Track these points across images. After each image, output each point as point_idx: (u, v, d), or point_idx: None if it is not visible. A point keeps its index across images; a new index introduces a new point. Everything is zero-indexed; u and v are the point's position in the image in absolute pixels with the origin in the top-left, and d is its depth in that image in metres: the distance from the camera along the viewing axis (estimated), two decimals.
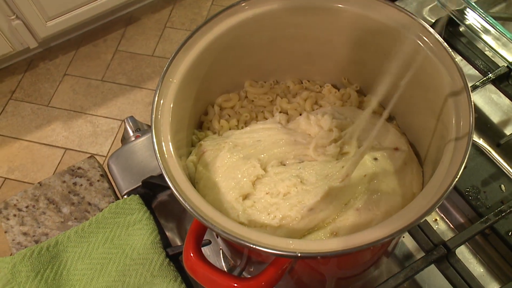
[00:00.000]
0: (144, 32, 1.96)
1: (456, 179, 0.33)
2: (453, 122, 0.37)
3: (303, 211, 0.41)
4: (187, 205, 0.33)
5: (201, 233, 0.39)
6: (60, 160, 1.67)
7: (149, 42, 1.93)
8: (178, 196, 0.34)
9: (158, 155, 0.35)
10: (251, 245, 0.33)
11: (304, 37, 0.48)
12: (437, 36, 0.41)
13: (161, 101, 0.37)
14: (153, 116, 0.36)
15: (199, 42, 0.41)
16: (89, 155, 0.63)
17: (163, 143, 0.35)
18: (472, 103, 0.37)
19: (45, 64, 1.91)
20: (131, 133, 0.65)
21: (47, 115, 1.78)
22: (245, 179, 0.44)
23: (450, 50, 0.40)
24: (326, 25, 0.46)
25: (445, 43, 0.41)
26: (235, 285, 0.37)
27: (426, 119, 0.44)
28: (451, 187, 0.33)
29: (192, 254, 0.38)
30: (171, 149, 0.35)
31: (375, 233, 0.33)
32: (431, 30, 0.41)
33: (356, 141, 0.46)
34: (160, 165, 0.34)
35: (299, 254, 0.33)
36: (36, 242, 0.55)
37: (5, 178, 1.64)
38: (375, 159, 0.46)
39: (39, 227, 0.56)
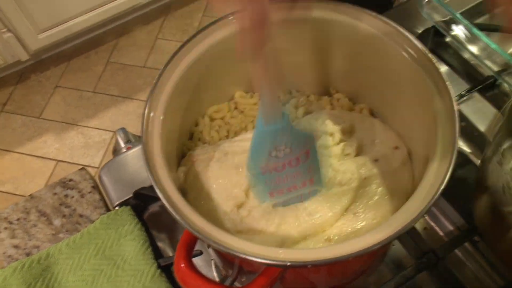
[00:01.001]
0: (136, 43, 1.97)
1: (442, 187, 0.34)
2: (439, 132, 0.38)
3: (302, 216, 0.41)
4: (177, 216, 0.33)
5: (192, 243, 0.39)
6: (52, 172, 1.66)
7: (140, 53, 1.94)
8: (168, 206, 0.34)
9: (148, 167, 0.35)
10: (241, 255, 0.33)
11: (294, 48, 0.49)
12: (422, 46, 0.41)
13: (151, 114, 0.37)
14: (143, 128, 0.36)
15: (189, 55, 0.41)
16: (81, 166, 0.63)
17: (154, 155, 0.36)
18: (457, 114, 0.38)
19: (36, 76, 1.90)
20: (123, 145, 0.65)
21: (39, 127, 1.77)
22: (236, 190, 0.44)
23: (434, 59, 0.41)
24: (317, 36, 0.47)
25: (429, 54, 0.41)
26: None
27: (413, 125, 0.45)
28: (436, 196, 0.34)
29: (183, 265, 0.38)
30: (162, 161, 0.36)
31: (364, 241, 0.33)
32: (416, 41, 0.42)
33: (356, 142, 0.47)
34: (150, 176, 0.34)
35: (288, 264, 0.33)
36: (27, 255, 0.55)
37: None
38: (376, 160, 0.46)
39: (30, 240, 0.56)
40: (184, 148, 0.47)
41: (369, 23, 0.44)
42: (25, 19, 1.62)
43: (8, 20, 1.60)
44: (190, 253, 0.39)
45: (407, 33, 0.42)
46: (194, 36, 0.42)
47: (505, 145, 0.42)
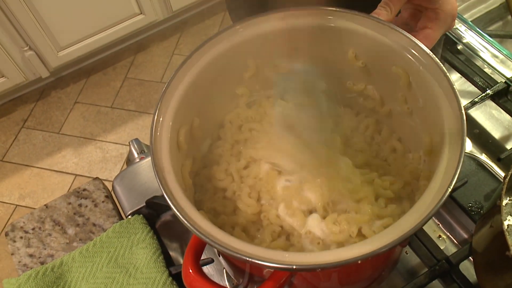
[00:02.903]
0: (153, 59, 2.01)
1: (450, 189, 0.33)
2: (447, 138, 0.38)
3: None
4: (181, 216, 0.34)
5: (200, 248, 0.39)
6: (70, 186, 1.69)
7: (157, 69, 1.98)
8: (174, 208, 0.34)
9: (155, 169, 0.36)
10: (246, 258, 0.33)
11: (309, 57, 0.49)
12: (434, 57, 0.41)
13: (160, 119, 0.38)
14: (153, 133, 0.37)
15: (198, 63, 0.42)
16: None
17: (162, 160, 0.36)
18: (465, 122, 0.37)
19: (56, 93, 1.95)
20: (136, 155, 0.66)
21: (58, 142, 1.81)
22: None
23: (445, 69, 0.41)
24: (334, 45, 0.47)
25: (441, 64, 0.41)
26: None
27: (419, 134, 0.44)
28: (444, 198, 0.33)
29: (191, 270, 0.38)
30: (169, 165, 0.36)
31: (372, 244, 0.33)
32: (428, 51, 0.42)
33: None
34: (156, 178, 0.35)
35: (294, 267, 0.33)
36: (42, 263, 0.56)
37: (17, 205, 1.66)
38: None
39: (45, 249, 0.57)
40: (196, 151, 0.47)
41: (388, 36, 0.43)
42: (46, 37, 1.67)
43: (29, 38, 1.65)
44: (198, 258, 0.39)
45: (420, 44, 0.42)
46: (202, 45, 0.42)
47: None
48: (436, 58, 0.41)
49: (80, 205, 0.59)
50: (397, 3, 0.44)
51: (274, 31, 0.45)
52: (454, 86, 0.39)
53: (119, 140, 1.79)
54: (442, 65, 0.40)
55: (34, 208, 1.63)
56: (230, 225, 0.45)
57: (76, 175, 1.72)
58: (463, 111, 0.37)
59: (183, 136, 0.41)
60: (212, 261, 0.53)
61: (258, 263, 0.33)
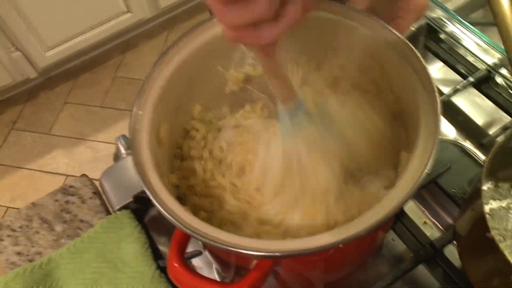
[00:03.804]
0: (142, 58, 2.00)
1: (426, 170, 0.34)
2: (423, 120, 0.38)
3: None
4: (162, 209, 0.34)
5: (184, 241, 0.39)
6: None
7: (147, 67, 1.97)
8: (154, 200, 0.34)
9: (135, 161, 0.36)
10: (229, 248, 0.33)
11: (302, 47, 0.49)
12: (406, 42, 0.41)
13: (140, 112, 0.38)
14: (131, 126, 0.37)
15: (178, 55, 0.42)
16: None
17: (141, 151, 0.36)
18: (438, 100, 0.38)
19: (45, 93, 1.94)
20: (123, 151, 0.66)
21: (48, 143, 1.80)
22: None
23: (416, 50, 0.41)
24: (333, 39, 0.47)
25: (411, 46, 0.41)
26: None
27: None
28: (418, 182, 0.34)
29: (175, 264, 0.38)
30: (149, 156, 0.37)
31: (354, 228, 0.33)
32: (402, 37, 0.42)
33: None
34: (136, 170, 0.35)
35: (277, 254, 0.33)
36: (30, 261, 0.56)
37: (7, 207, 1.65)
38: None
39: (33, 246, 0.57)
40: (177, 147, 0.47)
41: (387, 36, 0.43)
42: (32, 38, 1.66)
43: (16, 39, 1.64)
44: (182, 251, 0.39)
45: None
46: (184, 35, 0.43)
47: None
48: (409, 43, 0.41)
49: (67, 202, 0.59)
50: None
51: None
52: (425, 64, 0.40)
53: (110, 139, 1.79)
54: (413, 47, 0.41)
55: None
56: (216, 220, 0.45)
57: (67, 175, 1.71)
58: (437, 92, 0.37)
59: (163, 132, 0.41)
60: (200, 253, 0.54)
61: (241, 252, 0.33)
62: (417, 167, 0.35)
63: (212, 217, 0.45)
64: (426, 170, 0.34)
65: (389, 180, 0.43)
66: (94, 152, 1.76)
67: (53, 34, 1.71)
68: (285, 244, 0.34)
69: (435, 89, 0.38)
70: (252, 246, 0.33)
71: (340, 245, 0.33)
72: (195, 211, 0.45)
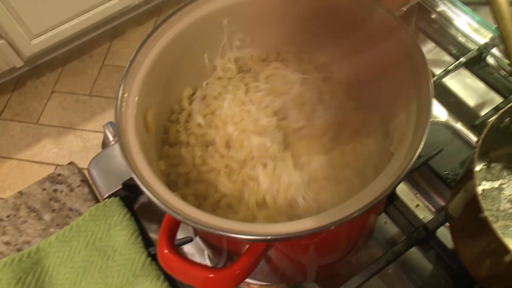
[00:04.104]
0: (130, 45, 1.97)
1: (418, 152, 0.33)
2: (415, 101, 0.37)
3: None
4: (151, 195, 0.33)
5: (174, 227, 0.38)
6: None
7: None
8: (142, 185, 0.34)
9: (121, 145, 0.35)
10: (220, 232, 0.33)
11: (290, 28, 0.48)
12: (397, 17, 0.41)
13: (126, 95, 0.37)
14: (117, 108, 0.36)
15: (163, 37, 0.41)
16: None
17: (127, 133, 0.35)
18: (431, 77, 0.37)
19: (32, 83, 1.91)
20: (111, 138, 0.65)
21: (37, 133, 1.78)
22: None
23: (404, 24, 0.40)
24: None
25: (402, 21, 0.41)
26: (211, 275, 0.36)
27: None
28: (412, 160, 0.33)
29: (166, 250, 0.37)
30: (135, 139, 0.36)
31: (345, 210, 0.33)
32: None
33: None
34: (121, 153, 0.34)
35: (269, 237, 0.33)
36: (18, 250, 0.55)
37: None
38: None
39: (21, 236, 0.56)
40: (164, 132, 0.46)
41: None
42: (17, 25, 1.63)
43: (0, 27, 1.60)
44: (172, 237, 0.38)
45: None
46: (168, 18, 0.41)
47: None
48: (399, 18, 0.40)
49: (55, 190, 0.58)
50: None
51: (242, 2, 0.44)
52: (418, 43, 0.39)
53: (99, 128, 1.76)
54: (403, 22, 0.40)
55: None
56: (209, 205, 0.44)
57: (57, 165, 1.69)
58: (430, 74, 0.37)
59: (151, 117, 0.40)
60: (191, 240, 0.53)
61: (232, 237, 0.33)
62: (408, 150, 0.34)
63: (203, 202, 0.44)
64: (417, 153, 0.34)
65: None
66: (84, 141, 1.74)
67: (38, 22, 1.67)
68: (276, 227, 0.33)
69: (428, 70, 0.37)
70: (242, 230, 0.33)
71: (332, 228, 0.32)
72: (185, 197, 0.44)
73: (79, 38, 1.92)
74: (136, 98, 0.37)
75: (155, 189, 0.34)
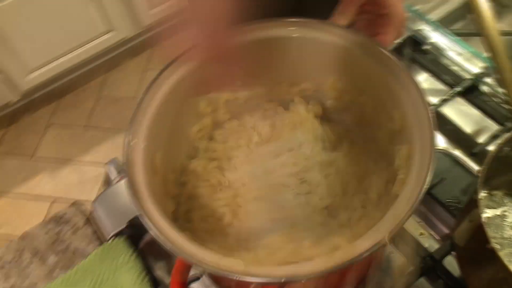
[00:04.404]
0: (126, 76, 1.99)
1: (424, 188, 0.34)
2: (415, 133, 0.38)
3: None
4: (164, 241, 0.33)
5: (186, 270, 0.39)
6: (48, 211, 1.65)
7: (131, 86, 1.96)
8: (153, 228, 0.34)
9: (131, 192, 0.35)
10: (235, 276, 0.33)
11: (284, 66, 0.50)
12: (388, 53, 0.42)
13: (133, 141, 0.38)
14: (125, 156, 0.37)
15: (168, 80, 0.42)
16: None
17: (136, 182, 0.36)
18: (431, 113, 0.38)
19: (28, 116, 1.91)
20: (115, 175, 0.65)
21: (33, 167, 1.77)
22: None
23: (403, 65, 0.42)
24: (299, 55, 0.48)
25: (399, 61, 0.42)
26: None
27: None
28: (420, 195, 0.34)
29: None
30: (145, 186, 0.36)
31: (357, 248, 0.33)
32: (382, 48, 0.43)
33: None
34: (133, 201, 0.34)
35: (283, 280, 0.33)
36: None
37: None
38: None
39: (26, 279, 0.55)
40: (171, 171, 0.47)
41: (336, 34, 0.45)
42: (13, 60, 1.64)
43: None
44: (184, 281, 0.39)
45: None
46: (171, 63, 0.42)
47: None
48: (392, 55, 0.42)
49: (59, 232, 0.58)
50: (351, 9, 0.45)
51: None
52: (414, 78, 0.40)
53: (96, 160, 1.76)
54: (399, 61, 0.42)
55: (13, 235, 1.59)
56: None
57: (54, 199, 1.68)
58: (429, 106, 0.38)
59: (159, 161, 0.41)
60: (198, 278, 0.53)
61: (248, 281, 0.33)
62: (416, 183, 0.35)
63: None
64: (425, 186, 0.35)
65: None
66: (81, 174, 1.73)
67: (34, 57, 1.69)
68: (290, 269, 0.34)
69: (427, 103, 0.38)
70: (257, 273, 0.33)
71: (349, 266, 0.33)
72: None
73: (75, 71, 1.94)
74: (144, 144, 0.38)
75: (169, 234, 0.34)
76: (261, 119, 0.51)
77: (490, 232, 0.49)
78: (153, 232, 0.34)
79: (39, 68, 1.73)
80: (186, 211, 0.46)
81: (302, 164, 0.48)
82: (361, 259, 0.32)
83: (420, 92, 0.39)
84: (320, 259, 0.34)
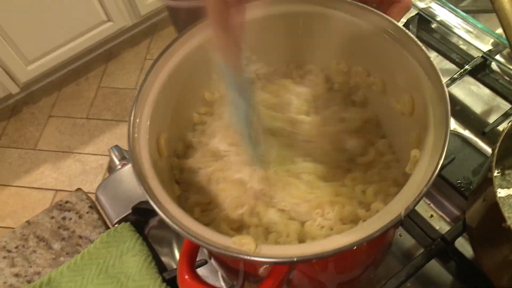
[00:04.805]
0: (125, 66, 1.97)
1: (436, 171, 0.33)
2: (430, 115, 0.37)
3: None
4: (172, 223, 0.32)
5: (194, 253, 0.38)
6: (51, 202, 1.65)
7: (130, 76, 1.94)
8: (162, 214, 0.33)
9: (136, 172, 0.34)
10: (248, 257, 0.32)
11: (293, 43, 0.48)
12: (410, 34, 0.41)
13: (137, 120, 0.37)
14: (130, 135, 0.35)
15: (170, 60, 0.41)
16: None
17: (142, 159, 0.35)
18: (447, 92, 0.37)
19: (28, 108, 1.90)
20: (117, 162, 0.64)
21: (35, 159, 1.76)
22: None
23: (420, 43, 0.40)
24: (317, 30, 0.46)
25: (418, 40, 0.41)
26: None
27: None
28: (432, 179, 0.33)
29: (186, 276, 0.37)
30: (150, 165, 0.35)
31: (366, 229, 0.32)
32: (404, 29, 0.41)
33: None
34: (138, 181, 0.33)
35: (295, 259, 0.32)
36: (29, 282, 0.54)
37: None
38: None
39: (31, 267, 0.54)
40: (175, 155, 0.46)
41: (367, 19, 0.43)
42: (12, 52, 1.62)
43: None
44: (192, 263, 0.38)
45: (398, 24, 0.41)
46: (173, 42, 0.41)
47: None
48: (411, 34, 0.40)
49: (63, 218, 0.57)
50: None
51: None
52: (432, 60, 0.39)
53: (98, 151, 1.75)
54: (417, 40, 0.40)
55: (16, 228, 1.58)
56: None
57: (57, 190, 1.68)
58: (445, 87, 0.37)
59: (163, 142, 0.40)
60: (205, 262, 0.52)
61: (259, 261, 0.32)
62: (429, 164, 0.34)
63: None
64: (438, 169, 0.33)
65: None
66: (83, 165, 1.73)
67: (33, 48, 1.67)
68: (302, 248, 0.33)
69: (443, 83, 0.37)
70: (271, 254, 0.32)
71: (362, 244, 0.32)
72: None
73: (74, 62, 1.92)
74: (148, 123, 0.37)
75: (174, 215, 0.33)
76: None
77: (505, 212, 0.48)
78: (158, 211, 0.33)
79: (38, 59, 1.71)
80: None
81: None
82: (375, 237, 0.31)
83: (434, 67, 0.38)
84: (332, 238, 0.33)
